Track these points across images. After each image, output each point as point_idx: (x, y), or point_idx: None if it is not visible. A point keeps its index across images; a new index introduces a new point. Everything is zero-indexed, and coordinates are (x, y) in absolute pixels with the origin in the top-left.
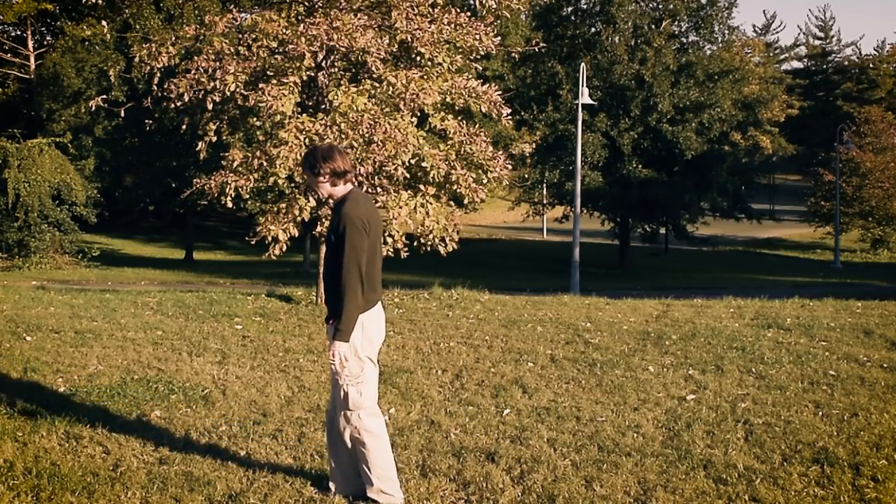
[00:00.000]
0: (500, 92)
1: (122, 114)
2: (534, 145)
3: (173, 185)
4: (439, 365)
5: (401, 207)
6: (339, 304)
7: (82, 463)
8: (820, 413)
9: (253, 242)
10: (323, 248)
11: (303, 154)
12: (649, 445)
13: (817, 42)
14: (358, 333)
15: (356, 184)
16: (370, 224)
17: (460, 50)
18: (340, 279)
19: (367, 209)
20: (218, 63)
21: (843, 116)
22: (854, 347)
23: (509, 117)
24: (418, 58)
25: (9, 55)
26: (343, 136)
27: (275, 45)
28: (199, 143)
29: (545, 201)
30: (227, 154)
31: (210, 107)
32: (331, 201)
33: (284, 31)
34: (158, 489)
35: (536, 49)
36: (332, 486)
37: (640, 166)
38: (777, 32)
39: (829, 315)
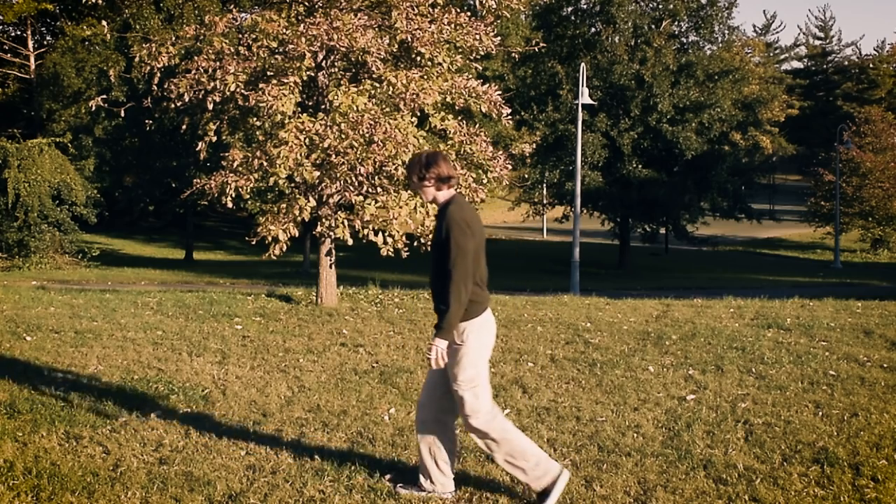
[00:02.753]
0: (500, 92)
1: (122, 114)
2: (534, 145)
3: (173, 185)
4: None
5: (401, 207)
6: (446, 304)
7: (82, 463)
8: (820, 413)
9: (253, 242)
10: (323, 248)
11: (408, 159)
12: (649, 445)
13: (817, 42)
14: (474, 338)
15: (459, 189)
16: (473, 228)
17: (460, 50)
18: (448, 280)
19: (471, 214)
20: (218, 63)
21: (843, 116)
22: (854, 347)
23: (509, 117)
24: (418, 58)
25: (9, 55)
26: (343, 136)
27: (275, 45)
28: (199, 143)
29: (545, 201)
30: (227, 154)
31: (210, 107)
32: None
33: (284, 31)
34: (158, 489)
35: (536, 49)
36: (424, 482)
37: (640, 166)
38: (777, 32)
39: (829, 315)
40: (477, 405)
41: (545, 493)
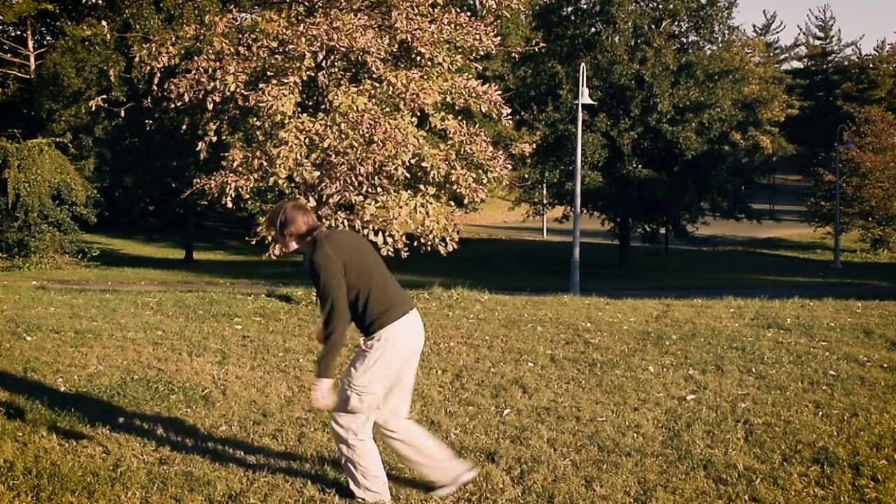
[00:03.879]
0: (500, 92)
1: (122, 114)
2: (534, 145)
3: (173, 185)
4: (439, 365)
5: (401, 207)
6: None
7: (82, 463)
8: (820, 413)
9: (253, 242)
10: None
11: (270, 212)
12: (649, 445)
13: (817, 42)
14: (381, 347)
15: (321, 227)
16: (340, 255)
17: (460, 50)
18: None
19: (334, 243)
20: (218, 63)
21: (843, 116)
22: (854, 347)
23: (509, 117)
24: (418, 58)
25: (9, 55)
26: (343, 136)
27: (275, 45)
28: (199, 143)
29: (545, 201)
30: (227, 154)
31: (210, 107)
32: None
33: (284, 31)
34: (158, 489)
35: (536, 49)
36: (434, 481)
37: (640, 166)
38: (777, 32)
39: (829, 315)
40: (359, 408)
41: (354, 499)
